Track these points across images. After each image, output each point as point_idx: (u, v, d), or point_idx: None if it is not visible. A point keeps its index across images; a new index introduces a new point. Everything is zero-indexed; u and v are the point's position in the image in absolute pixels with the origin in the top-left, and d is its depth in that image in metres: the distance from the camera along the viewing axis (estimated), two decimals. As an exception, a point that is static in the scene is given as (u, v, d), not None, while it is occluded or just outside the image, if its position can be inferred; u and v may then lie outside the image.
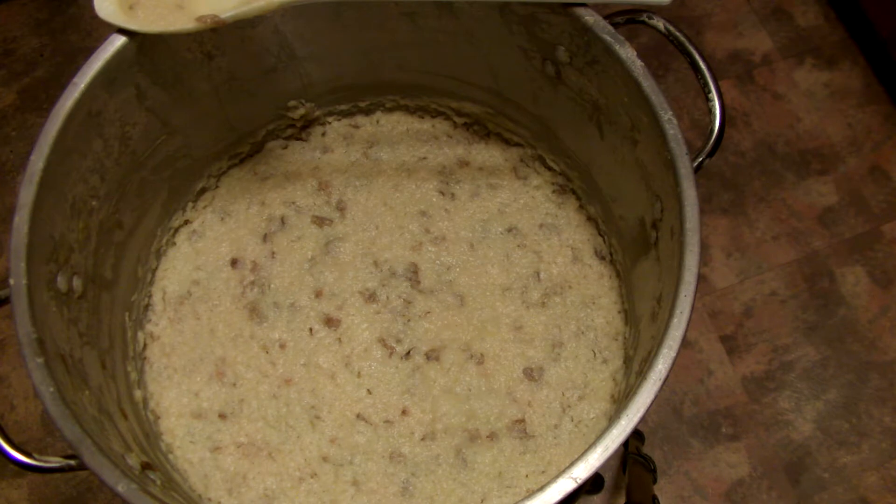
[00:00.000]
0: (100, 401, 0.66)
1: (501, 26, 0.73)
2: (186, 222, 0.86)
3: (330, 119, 0.90)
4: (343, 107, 0.90)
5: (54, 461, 0.61)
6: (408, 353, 0.79)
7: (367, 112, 0.91)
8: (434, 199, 0.87)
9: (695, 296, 0.59)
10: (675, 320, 0.59)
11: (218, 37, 0.72)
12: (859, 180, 1.21)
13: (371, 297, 0.82)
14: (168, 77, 0.72)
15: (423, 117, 0.91)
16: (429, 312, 0.81)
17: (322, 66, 0.83)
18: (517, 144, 0.89)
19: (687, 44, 0.68)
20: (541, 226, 0.85)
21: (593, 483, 0.99)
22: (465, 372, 0.78)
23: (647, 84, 0.64)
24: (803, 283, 1.15)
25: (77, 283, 0.68)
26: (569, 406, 0.77)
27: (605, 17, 0.67)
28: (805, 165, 1.22)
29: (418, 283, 0.82)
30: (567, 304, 0.82)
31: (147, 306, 0.82)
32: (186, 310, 0.82)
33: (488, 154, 0.89)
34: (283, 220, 0.85)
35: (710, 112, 0.67)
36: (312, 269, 0.83)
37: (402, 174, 0.88)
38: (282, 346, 0.80)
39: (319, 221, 0.85)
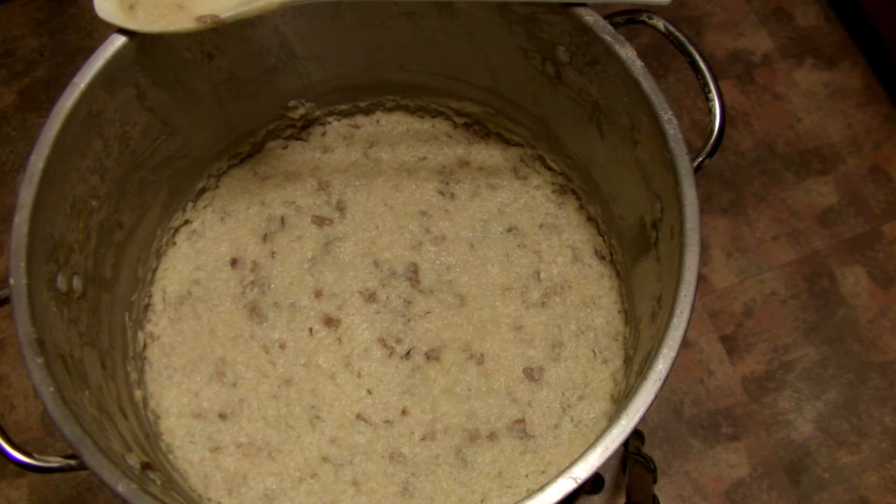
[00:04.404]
0: (100, 401, 0.66)
1: (501, 26, 0.73)
2: (186, 222, 0.86)
3: (330, 119, 0.90)
4: (343, 107, 0.90)
5: (54, 461, 0.61)
6: (408, 353, 0.79)
7: (367, 112, 0.91)
8: (434, 199, 0.87)
9: (695, 296, 0.59)
10: (675, 320, 0.59)
11: (218, 37, 0.72)
12: (859, 180, 1.21)
13: (371, 297, 0.82)
14: (168, 77, 0.72)
15: (423, 117, 0.91)
16: (429, 312, 0.81)
17: (322, 66, 0.83)
18: (517, 144, 0.89)
19: (687, 44, 0.68)
20: (541, 226, 0.85)
21: (593, 483, 0.99)
22: (465, 372, 0.78)
23: (647, 84, 0.64)
24: (803, 283, 1.15)
25: (77, 283, 0.68)
26: (569, 406, 0.77)
27: (605, 17, 0.67)
28: (805, 165, 1.22)
29: (418, 283, 0.82)
30: (567, 304, 0.82)
31: (147, 306, 0.82)
32: (186, 310, 0.82)
33: (488, 154, 0.89)
34: (283, 220, 0.85)
35: (710, 112, 0.67)
36: (312, 269, 0.83)
37: (402, 174, 0.88)
38: (282, 346, 0.80)
39: (319, 221, 0.85)
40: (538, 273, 0.83)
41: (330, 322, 0.81)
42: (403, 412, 0.77)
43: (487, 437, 0.76)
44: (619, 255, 0.81)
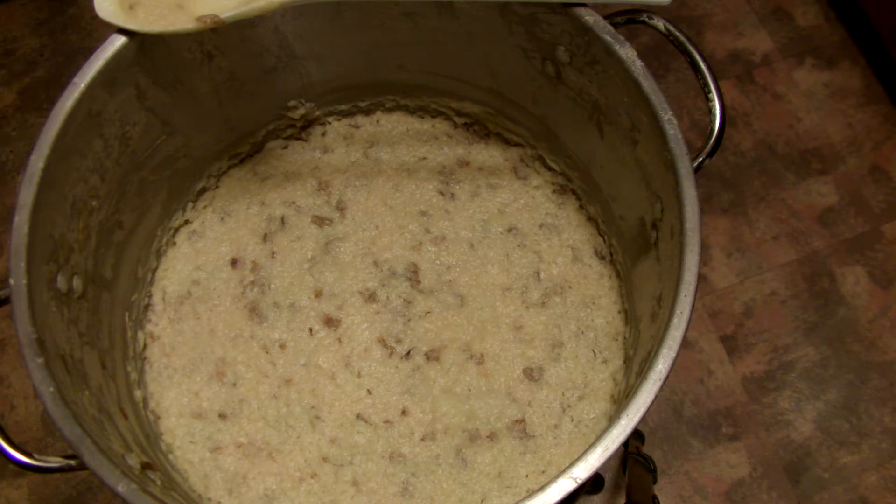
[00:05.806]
0: (100, 401, 0.66)
1: (501, 26, 0.73)
2: (186, 222, 0.86)
3: (330, 119, 0.90)
4: (343, 107, 0.90)
5: (54, 461, 0.61)
6: (408, 353, 0.79)
7: (367, 112, 0.91)
8: (434, 199, 0.87)
9: (695, 296, 0.59)
10: (675, 320, 0.59)
11: (218, 37, 0.72)
12: (859, 180, 1.21)
13: (371, 297, 0.82)
14: (168, 77, 0.72)
15: (423, 117, 0.91)
16: (429, 312, 0.81)
17: (322, 66, 0.83)
18: (517, 144, 0.89)
19: (687, 44, 0.68)
20: (541, 226, 0.85)
21: (593, 483, 0.99)
22: (465, 372, 0.78)
23: (647, 84, 0.64)
24: (803, 283, 1.15)
25: (77, 283, 0.68)
26: (569, 406, 0.77)
27: (605, 17, 0.67)
28: (805, 165, 1.22)
29: (418, 283, 0.82)
30: (567, 304, 0.82)
31: (147, 306, 0.82)
32: (186, 310, 0.82)
33: (488, 154, 0.89)
34: (283, 220, 0.85)
35: (710, 112, 0.67)
36: (312, 269, 0.83)
37: (402, 174, 0.88)
38: (282, 346, 0.80)
39: (319, 221, 0.85)
40: (538, 273, 0.83)
41: (330, 322, 0.81)
42: (403, 412, 0.77)
43: (487, 437, 0.76)
44: (619, 255, 0.81)
